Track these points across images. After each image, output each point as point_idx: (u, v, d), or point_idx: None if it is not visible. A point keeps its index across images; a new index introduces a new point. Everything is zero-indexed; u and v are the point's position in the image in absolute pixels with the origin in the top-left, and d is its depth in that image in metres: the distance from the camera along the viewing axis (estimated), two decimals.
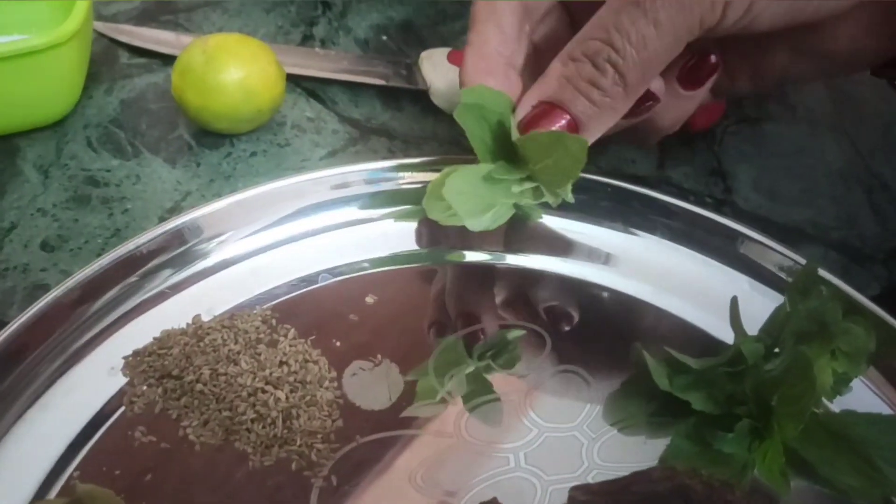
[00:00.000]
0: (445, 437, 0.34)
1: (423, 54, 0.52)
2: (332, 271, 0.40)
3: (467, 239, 0.40)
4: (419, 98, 0.51)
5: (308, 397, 0.34)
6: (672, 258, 0.41)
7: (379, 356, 0.37)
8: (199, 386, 0.34)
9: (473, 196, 0.36)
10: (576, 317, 0.39)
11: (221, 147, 0.47)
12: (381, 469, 0.33)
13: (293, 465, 0.33)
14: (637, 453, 0.34)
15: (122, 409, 0.34)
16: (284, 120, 0.49)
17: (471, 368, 0.36)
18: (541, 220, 0.42)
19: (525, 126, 0.35)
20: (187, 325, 0.36)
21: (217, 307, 0.37)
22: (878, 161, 0.50)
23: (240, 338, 0.36)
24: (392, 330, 0.38)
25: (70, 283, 0.36)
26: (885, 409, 0.36)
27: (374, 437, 0.34)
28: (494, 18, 0.36)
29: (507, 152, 0.36)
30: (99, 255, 0.39)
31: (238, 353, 0.35)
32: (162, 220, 0.42)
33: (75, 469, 0.32)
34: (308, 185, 0.41)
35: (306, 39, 0.56)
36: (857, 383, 0.36)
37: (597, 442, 0.34)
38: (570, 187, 0.37)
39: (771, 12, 0.33)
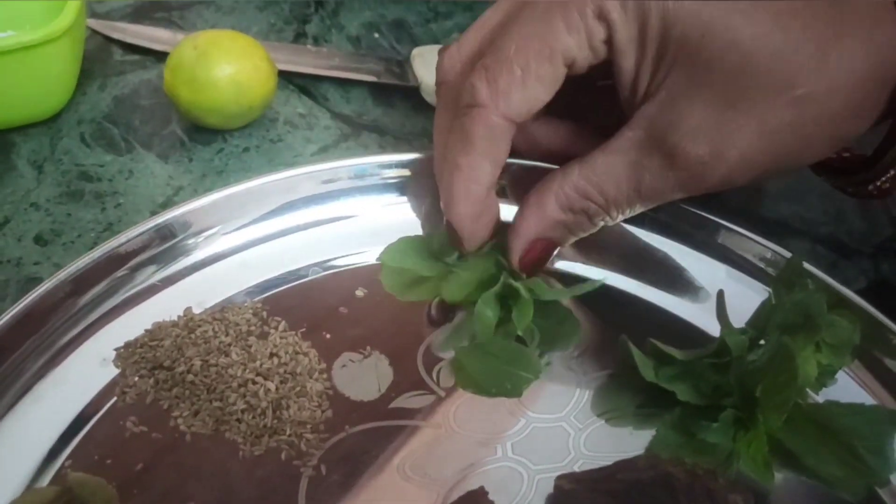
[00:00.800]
0: (434, 428, 0.34)
1: (415, 51, 0.52)
2: (321, 265, 0.40)
3: None
4: (410, 95, 0.51)
5: (298, 388, 0.35)
6: (658, 251, 0.42)
7: (368, 348, 0.37)
8: (190, 377, 0.34)
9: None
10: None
11: (214, 143, 0.47)
12: (370, 459, 0.33)
13: (283, 455, 0.33)
14: (623, 443, 0.34)
15: (114, 399, 0.34)
16: (277, 116, 0.49)
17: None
18: None
19: (526, 265, 0.36)
20: (178, 317, 0.37)
21: (208, 300, 0.38)
22: None
23: (231, 330, 0.36)
24: (381, 322, 0.38)
25: (61, 275, 0.36)
26: (870, 401, 0.36)
27: (364, 427, 0.34)
28: (492, 152, 0.33)
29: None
30: (91, 248, 0.39)
31: (229, 344, 0.36)
32: (154, 214, 0.42)
33: (67, 458, 0.32)
34: (298, 180, 0.41)
35: (299, 37, 0.56)
36: (841, 375, 0.36)
37: (583, 432, 0.35)
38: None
39: (750, 176, 0.33)
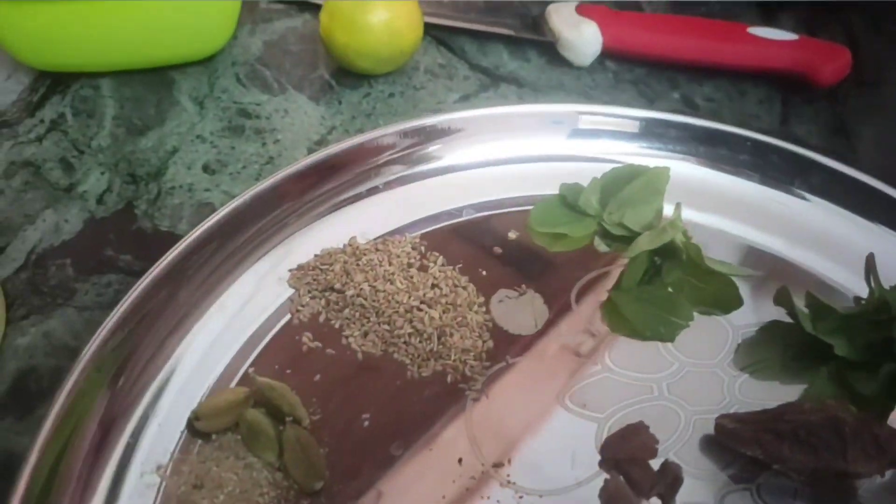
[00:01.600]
0: (591, 365, 0.36)
1: (551, 7, 0.53)
2: (475, 206, 0.41)
3: None
4: (546, 50, 0.52)
5: (459, 318, 0.36)
6: (807, 212, 0.42)
7: (524, 286, 0.38)
8: (359, 300, 0.36)
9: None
10: None
11: (360, 87, 0.49)
12: (531, 388, 0.35)
13: (448, 378, 0.35)
14: (778, 392, 0.35)
15: (289, 316, 0.36)
16: (417, 65, 0.51)
17: None
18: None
19: None
20: (344, 245, 0.38)
21: (369, 232, 0.39)
22: None
23: (393, 260, 0.38)
24: (534, 264, 0.39)
25: (236, 203, 0.38)
26: None
27: (524, 359, 0.35)
28: None
29: None
30: (257, 179, 0.41)
31: (393, 273, 0.37)
32: (310, 151, 0.44)
33: (251, 365, 0.34)
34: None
35: None
36: None
37: (737, 379, 0.35)
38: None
39: None
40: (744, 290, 0.38)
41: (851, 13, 0.55)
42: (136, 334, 0.34)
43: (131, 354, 0.33)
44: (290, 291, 0.37)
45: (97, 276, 0.39)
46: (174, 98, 0.47)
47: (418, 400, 0.34)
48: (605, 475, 0.32)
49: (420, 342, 0.35)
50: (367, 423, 0.33)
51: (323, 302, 0.36)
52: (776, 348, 0.37)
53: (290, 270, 0.37)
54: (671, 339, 0.37)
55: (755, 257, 0.40)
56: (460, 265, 0.39)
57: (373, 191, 0.41)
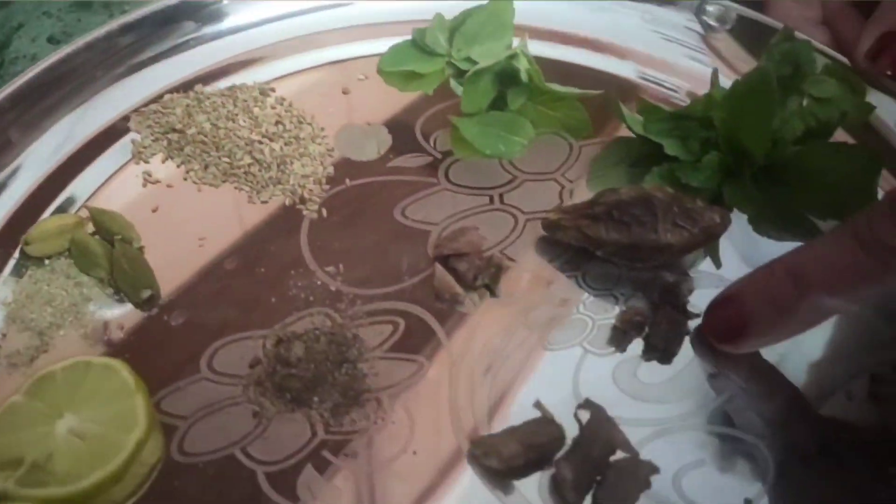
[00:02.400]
0: (430, 182, 0.36)
1: None
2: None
3: None
4: None
5: (301, 150, 0.37)
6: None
7: (370, 121, 0.39)
8: (200, 137, 0.36)
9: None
10: None
11: None
12: (369, 206, 0.35)
13: (287, 202, 0.35)
14: None
15: (130, 157, 0.36)
16: None
17: None
18: None
19: (873, 57, 0.35)
20: (188, 91, 0.39)
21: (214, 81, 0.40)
22: None
23: (238, 103, 0.38)
24: (383, 101, 0.40)
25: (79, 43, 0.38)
26: None
27: (363, 181, 0.36)
28: None
29: None
30: None
31: (236, 114, 0.38)
32: None
33: (89, 200, 0.35)
34: None
35: None
36: None
37: (576, 184, 0.36)
38: None
39: None
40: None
41: None
42: None
43: None
44: (134, 135, 0.37)
45: None
46: None
47: (258, 223, 0.35)
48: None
49: (259, 171, 0.36)
50: (202, 245, 0.34)
51: (164, 143, 0.37)
52: (616, 159, 0.38)
53: (132, 113, 0.38)
54: (511, 157, 0.37)
55: (598, 79, 0.41)
56: (307, 104, 0.39)
57: (218, 35, 0.41)
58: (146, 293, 0.31)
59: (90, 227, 0.33)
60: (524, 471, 0.27)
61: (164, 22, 0.40)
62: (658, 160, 0.36)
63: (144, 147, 0.37)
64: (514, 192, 0.36)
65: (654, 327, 0.31)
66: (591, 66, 0.42)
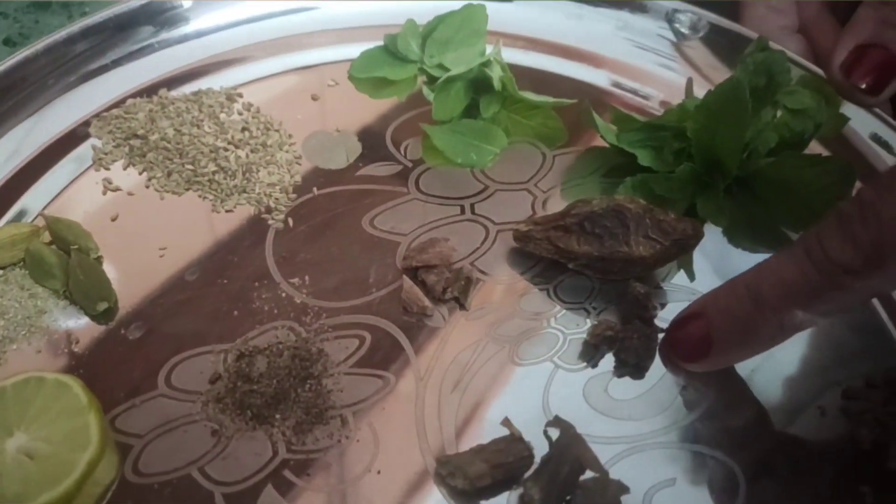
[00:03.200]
0: (400, 192, 0.35)
1: None
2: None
3: None
4: None
5: (268, 157, 0.36)
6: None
7: (339, 127, 0.38)
8: (163, 143, 0.35)
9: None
10: None
11: None
12: (337, 216, 0.34)
13: (252, 211, 0.34)
14: None
15: (90, 164, 0.35)
16: None
17: None
18: None
19: (847, 69, 0.35)
20: (151, 95, 0.38)
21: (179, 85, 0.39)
22: None
23: (204, 108, 0.37)
24: (353, 107, 0.39)
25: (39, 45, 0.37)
26: None
27: (331, 190, 0.35)
28: None
29: None
30: None
31: (201, 120, 0.37)
32: None
33: (45, 208, 0.34)
34: None
35: None
36: None
37: (548, 195, 0.36)
38: None
39: None
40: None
41: None
42: None
43: None
44: (94, 141, 0.36)
45: None
46: None
47: (223, 233, 0.34)
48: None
49: (224, 179, 0.35)
50: (162, 256, 0.32)
51: (126, 149, 0.36)
52: (590, 169, 0.37)
53: (92, 118, 0.36)
54: (483, 166, 0.37)
55: (572, 87, 0.40)
56: (275, 110, 0.38)
57: (183, 38, 0.40)
58: (102, 305, 0.30)
59: (47, 237, 0.32)
60: (491, 491, 0.27)
61: (126, 25, 0.39)
62: (632, 170, 0.36)
63: (105, 153, 0.35)
64: (486, 202, 0.35)
65: (626, 342, 0.31)
66: (564, 74, 0.41)
